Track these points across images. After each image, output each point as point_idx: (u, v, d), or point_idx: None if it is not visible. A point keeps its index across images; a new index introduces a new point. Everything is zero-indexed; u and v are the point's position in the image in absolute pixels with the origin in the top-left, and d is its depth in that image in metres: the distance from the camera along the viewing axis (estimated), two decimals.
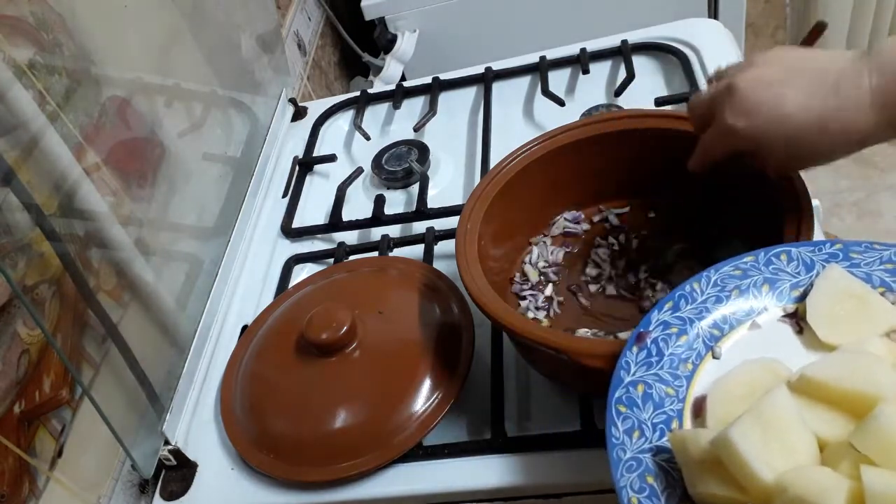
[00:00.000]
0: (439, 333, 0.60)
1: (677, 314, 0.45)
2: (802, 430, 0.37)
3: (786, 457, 0.36)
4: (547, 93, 0.84)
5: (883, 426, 0.34)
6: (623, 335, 0.57)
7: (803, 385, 0.40)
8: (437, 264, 0.68)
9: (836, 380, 0.38)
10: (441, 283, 0.64)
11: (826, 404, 0.39)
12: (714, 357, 0.44)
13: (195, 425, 0.64)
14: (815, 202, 0.52)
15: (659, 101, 0.78)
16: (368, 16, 1.25)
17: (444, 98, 0.92)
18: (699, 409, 0.42)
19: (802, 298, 0.45)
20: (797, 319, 0.45)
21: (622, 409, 0.42)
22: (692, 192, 0.59)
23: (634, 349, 0.44)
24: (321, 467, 0.56)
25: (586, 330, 0.58)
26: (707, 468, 0.38)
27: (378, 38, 1.25)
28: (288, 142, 0.94)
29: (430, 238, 0.72)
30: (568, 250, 0.64)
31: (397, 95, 0.93)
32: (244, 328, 0.69)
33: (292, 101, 0.99)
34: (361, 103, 0.94)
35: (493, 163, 0.71)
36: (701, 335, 0.45)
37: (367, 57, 1.28)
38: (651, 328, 0.44)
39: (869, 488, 0.33)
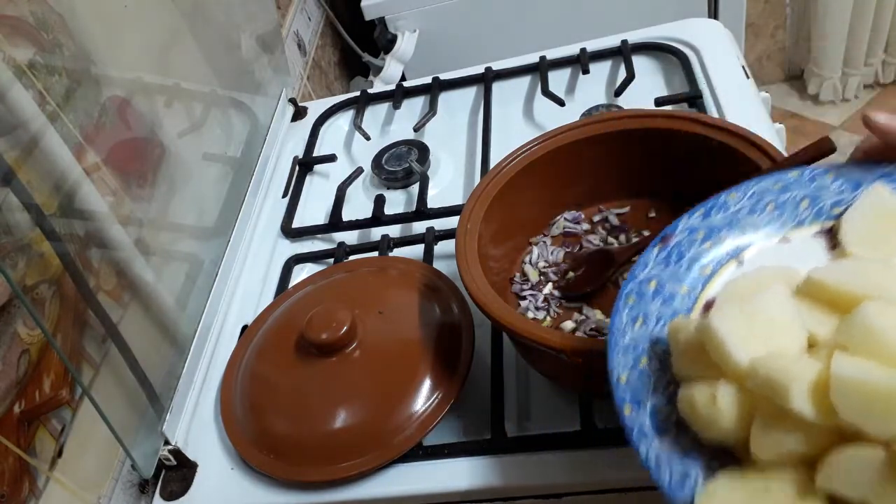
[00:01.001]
0: (439, 333, 0.60)
1: (707, 221, 0.44)
2: (793, 326, 0.37)
3: (768, 347, 0.36)
4: (547, 93, 0.84)
5: (866, 320, 0.34)
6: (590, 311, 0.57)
7: (809, 287, 0.39)
8: (437, 264, 0.68)
9: (841, 283, 0.37)
10: (441, 283, 0.64)
11: (828, 307, 0.38)
12: (738, 264, 0.43)
13: (195, 425, 0.64)
14: None
15: (659, 101, 0.78)
16: (368, 16, 1.25)
17: (444, 98, 0.92)
18: (709, 309, 0.41)
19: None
20: (832, 235, 0.43)
21: (631, 300, 0.42)
22: (692, 191, 0.59)
23: (656, 249, 0.43)
24: (321, 467, 0.56)
25: (572, 323, 0.58)
26: (692, 352, 0.38)
27: (378, 38, 1.25)
28: (288, 142, 0.94)
29: (430, 238, 0.72)
30: (568, 250, 0.64)
31: (397, 95, 0.93)
32: (244, 328, 0.69)
33: (292, 101, 0.99)
34: (361, 103, 0.94)
35: (493, 163, 0.71)
36: (727, 243, 0.44)
37: (367, 57, 1.28)
38: (677, 231, 0.44)
39: (835, 372, 0.32)
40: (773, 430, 0.34)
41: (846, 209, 0.43)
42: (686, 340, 0.38)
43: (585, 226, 0.65)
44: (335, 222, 0.78)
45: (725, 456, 0.37)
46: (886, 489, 0.32)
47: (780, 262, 0.42)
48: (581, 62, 0.87)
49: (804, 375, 0.33)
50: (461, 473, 0.55)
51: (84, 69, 0.62)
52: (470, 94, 0.93)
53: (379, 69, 1.23)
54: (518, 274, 0.64)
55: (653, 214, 0.64)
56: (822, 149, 0.47)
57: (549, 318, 0.60)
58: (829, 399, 0.32)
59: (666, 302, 0.42)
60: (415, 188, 0.81)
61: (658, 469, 0.37)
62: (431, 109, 0.88)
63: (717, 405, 0.36)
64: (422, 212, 0.76)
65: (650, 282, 0.42)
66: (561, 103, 0.83)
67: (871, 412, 0.31)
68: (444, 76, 0.94)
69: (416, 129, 0.89)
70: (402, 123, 0.94)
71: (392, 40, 1.24)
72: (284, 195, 0.86)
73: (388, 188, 0.84)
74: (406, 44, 1.23)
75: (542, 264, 0.63)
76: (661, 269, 0.43)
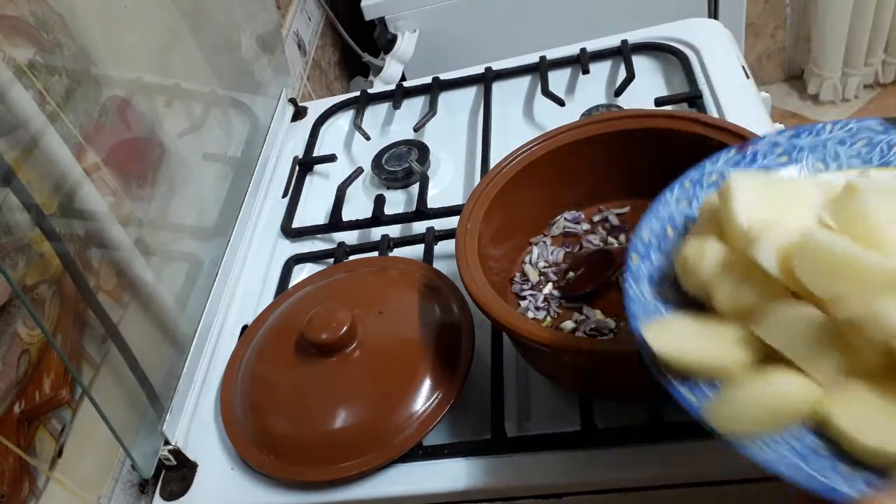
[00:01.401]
0: (439, 333, 0.60)
1: (793, 140, 0.44)
2: (806, 210, 0.38)
3: (772, 217, 0.37)
4: (547, 93, 0.84)
5: (860, 202, 0.35)
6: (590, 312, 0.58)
7: (843, 191, 0.39)
8: (437, 264, 0.68)
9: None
10: (441, 283, 0.64)
11: None
12: None
13: (195, 425, 0.64)
14: None
15: (659, 101, 0.78)
16: (368, 16, 1.25)
17: (444, 98, 0.92)
18: None
19: None
20: None
21: (688, 184, 0.44)
22: None
23: (732, 152, 0.44)
24: (321, 467, 0.56)
25: (572, 323, 0.58)
26: (712, 218, 0.40)
27: (378, 38, 1.25)
28: (288, 142, 0.94)
29: (430, 238, 0.72)
30: (568, 250, 0.64)
31: (397, 95, 0.93)
32: (244, 328, 0.69)
33: (292, 101, 0.99)
34: (361, 103, 0.94)
35: (493, 163, 0.71)
36: (804, 163, 0.44)
37: (367, 57, 1.28)
38: (759, 142, 0.44)
39: (804, 233, 0.34)
40: (738, 282, 0.37)
41: None
42: (710, 209, 0.40)
43: (585, 226, 0.65)
44: (335, 222, 0.78)
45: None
46: (812, 349, 0.34)
47: None
48: (581, 62, 0.87)
49: (778, 236, 0.35)
50: (461, 473, 0.55)
51: (84, 69, 0.62)
52: (470, 94, 0.93)
53: (379, 69, 1.23)
54: (518, 274, 0.64)
55: None
56: None
57: (549, 318, 0.60)
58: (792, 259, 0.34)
59: None
60: (415, 188, 0.81)
61: (633, 302, 0.39)
62: (431, 109, 0.88)
63: (703, 256, 0.38)
64: (422, 212, 0.76)
65: (712, 174, 0.44)
66: (561, 103, 0.83)
67: (822, 272, 0.33)
68: (444, 76, 0.94)
69: (416, 129, 0.89)
70: (402, 123, 0.94)
71: (392, 40, 1.24)
72: (284, 195, 0.86)
73: (388, 188, 0.84)
74: (406, 44, 1.23)
75: (542, 264, 0.63)
76: (728, 167, 0.44)
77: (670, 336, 0.37)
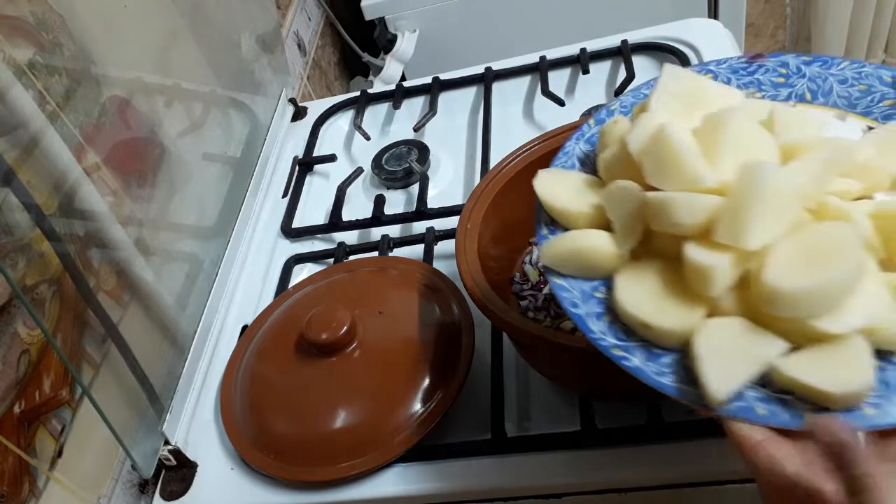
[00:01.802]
0: (439, 333, 0.60)
1: (802, 65, 0.45)
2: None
3: (678, 119, 0.41)
4: (547, 93, 0.84)
5: (722, 119, 0.39)
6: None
7: (774, 114, 0.42)
8: (437, 264, 0.68)
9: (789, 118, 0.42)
10: (441, 283, 0.64)
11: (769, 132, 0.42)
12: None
13: (195, 425, 0.64)
14: None
15: None
16: (368, 16, 1.25)
17: (444, 98, 0.92)
18: None
19: None
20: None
21: None
22: None
23: (744, 60, 0.46)
24: (321, 467, 0.56)
25: (572, 323, 0.58)
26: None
27: (378, 38, 1.25)
28: (288, 142, 0.94)
29: (430, 238, 0.72)
30: None
31: (397, 95, 0.93)
32: (244, 328, 0.69)
33: (292, 101, 0.99)
34: (361, 103, 0.94)
35: (493, 163, 0.71)
36: (794, 92, 0.45)
37: (367, 57, 1.28)
38: (771, 58, 0.46)
39: (660, 128, 0.39)
40: (616, 155, 0.43)
41: None
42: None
43: None
44: (335, 222, 0.78)
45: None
46: (626, 221, 0.40)
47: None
48: (581, 62, 0.87)
49: (647, 130, 0.40)
50: (461, 473, 0.55)
51: (84, 69, 0.62)
52: (470, 94, 0.93)
53: (379, 69, 1.23)
54: (518, 274, 0.63)
55: None
56: None
57: (549, 319, 0.60)
58: None
59: None
60: (415, 188, 0.81)
61: (562, 152, 0.46)
62: (431, 109, 0.88)
63: (614, 128, 0.44)
64: (422, 212, 0.76)
65: (707, 74, 0.47)
66: (561, 103, 0.83)
67: (656, 160, 0.39)
68: (444, 76, 0.94)
69: (416, 129, 0.89)
70: (402, 123, 0.94)
71: (392, 40, 1.24)
72: (284, 195, 0.86)
73: (388, 188, 0.84)
74: (406, 44, 1.23)
75: (542, 264, 0.63)
76: (728, 73, 0.47)
77: (553, 184, 0.44)
